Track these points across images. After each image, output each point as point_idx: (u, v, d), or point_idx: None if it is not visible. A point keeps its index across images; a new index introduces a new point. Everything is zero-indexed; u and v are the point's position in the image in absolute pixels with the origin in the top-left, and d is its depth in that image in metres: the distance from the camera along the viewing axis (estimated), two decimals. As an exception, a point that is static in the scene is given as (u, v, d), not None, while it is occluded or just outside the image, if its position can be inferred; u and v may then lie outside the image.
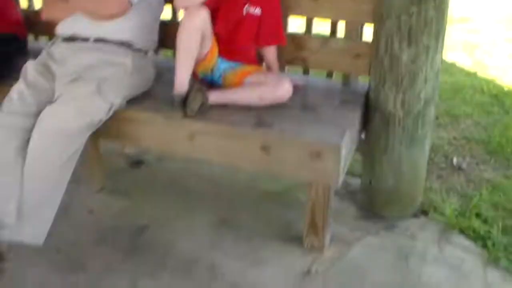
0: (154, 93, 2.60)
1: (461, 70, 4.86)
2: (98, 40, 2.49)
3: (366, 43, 2.51)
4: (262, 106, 2.37)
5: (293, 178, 2.27)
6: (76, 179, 2.35)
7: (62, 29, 2.55)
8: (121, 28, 2.48)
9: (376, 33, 2.40)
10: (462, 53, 5.35)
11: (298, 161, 2.19)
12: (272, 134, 2.21)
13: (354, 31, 2.53)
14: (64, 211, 2.34)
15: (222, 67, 2.52)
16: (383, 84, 2.41)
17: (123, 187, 3.00)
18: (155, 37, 2.70)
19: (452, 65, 4.94)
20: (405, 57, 2.31)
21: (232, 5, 2.46)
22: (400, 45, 2.30)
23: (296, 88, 2.41)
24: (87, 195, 2.91)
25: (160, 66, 2.72)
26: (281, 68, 2.71)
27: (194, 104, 2.29)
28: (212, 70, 2.52)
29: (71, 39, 2.53)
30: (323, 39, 2.59)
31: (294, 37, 2.63)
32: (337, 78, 2.81)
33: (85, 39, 2.50)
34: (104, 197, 2.92)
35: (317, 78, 2.82)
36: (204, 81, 2.55)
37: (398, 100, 2.41)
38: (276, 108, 2.37)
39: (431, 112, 2.48)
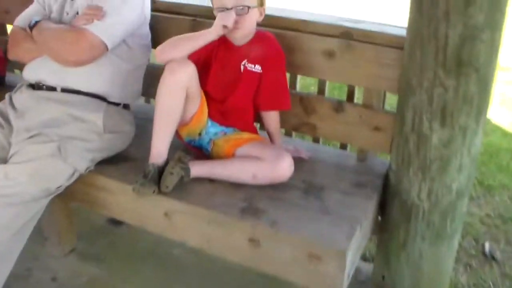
0: (131, 154, 2.19)
1: (497, 129, 4.29)
2: (66, 90, 2.09)
3: (389, 114, 2.06)
4: (256, 184, 1.94)
5: (286, 278, 1.80)
6: (40, 238, 1.94)
7: (27, 73, 2.15)
8: (93, 77, 2.08)
9: (401, 105, 1.95)
10: (499, 108, 4.77)
11: (293, 261, 1.75)
12: (262, 226, 1.77)
13: (375, 98, 2.08)
14: (24, 276, 1.95)
15: (212, 131, 2.09)
16: (407, 168, 1.95)
17: (97, 250, 2.57)
18: (137, 87, 2.29)
19: (487, 122, 4.41)
20: (436, 138, 1.85)
21: (227, 59, 2.04)
22: (430, 124, 1.84)
23: (300, 160, 1.98)
24: (53, 258, 2.49)
25: (146, 117, 2.30)
26: (288, 133, 2.27)
27: (171, 179, 1.87)
28: (200, 134, 2.10)
29: (36, 86, 2.13)
30: (337, 104, 2.14)
31: (302, 98, 2.19)
32: (352, 150, 2.35)
33: (52, 88, 2.10)
34: (72, 262, 2.50)
35: (328, 148, 2.36)
36: (191, 145, 2.13)
37: (424, 189, 1.94)
38: (272, 188, 1.94)
39: (464, 205, 2.01)
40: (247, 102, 2.08)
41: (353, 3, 8.66)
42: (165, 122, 1.93)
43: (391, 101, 2.46)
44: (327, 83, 2.26)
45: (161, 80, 1.89)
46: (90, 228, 2.73)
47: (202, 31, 1.91)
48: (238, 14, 1.90)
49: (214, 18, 1.92)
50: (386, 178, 2.08)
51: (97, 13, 2.00)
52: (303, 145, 2.29)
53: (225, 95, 2.06)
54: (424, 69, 1.80)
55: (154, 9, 2.37)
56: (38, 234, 1.92)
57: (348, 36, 2.04)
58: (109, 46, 2.02)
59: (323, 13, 2.24)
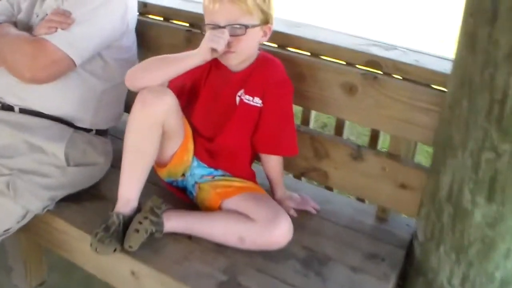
0: (102, 192, 1.82)
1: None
2: (25, 111, 1.72)
3: (420, 170, 1.62)
4: (243, 249, 1.54)
5: None
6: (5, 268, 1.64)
7: (-17, 87, 1.79)
8: (58, 97, 1.70)
9: (436, 163, 1.51)
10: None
11: None
12: (241, 313, 1.38)
13: (403, 148, 1.64)
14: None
15: (198, 173, 1.70)
16: (437, 244, 1.52)
17: (70, 285, 2.22)
18: (115, 110, 1.90)
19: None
20: (479, 215, 1.41)
21: (219, 88, 1.63)
22: (473, 196, 1.39)
23: (305, 213, 1.65)
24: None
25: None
26: (297, 176, 1.86)
27: (136, 238, 1.49)
28: (184, 175, 1.70)
29: (-7, 104, 1.77)
30: (356, 149, 1.70)
31: (314, 138, 1.76)
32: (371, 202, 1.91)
33: (9, 107, 1.73)
34: (39, 298, 2.16)
35: (342, 198, 1.92)
36: (172, 186, 1.74)
37: (458, 274, 1.50)
38: (263, 256, 1.54)
39: (509, 296, 1.56)
40: (242, 141, 1.67)
41: (386, 20, 6.75)
42: (134, 165, 1.54)
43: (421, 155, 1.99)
44: (346, 123, 1.81)
45: (131, 113, 1.51)
46: (65, 259, 2.38)
47: (185, 53, 1.51)
48: (233, 35, 1.48)
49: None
50: (409, 247, 1.65)
51: (63, 20, 1.61)
52: (312, 191, 1.86)
53: (215, 132, 1.65)
54: (471, 125, 1.35)
55: (144, 12, 1.97)
56: (2, 264, 1.58)
57: (376, 66, 1.60)
58: (77, 62, 1.63)
59: (346, 32, 1.78)
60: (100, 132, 1.83)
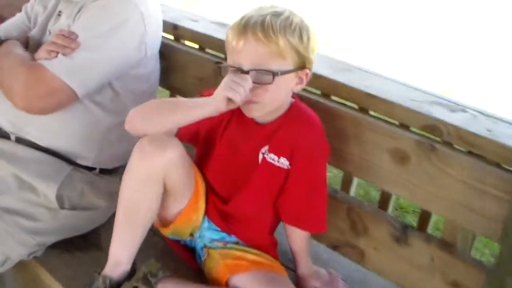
0: (99, 240, 1.59)
1: None
2: (22, 141, 1.50)
3: (479, 267, 1.28)
4: None
5: None
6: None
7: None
8: (58, 129, 1.48)
9: (503, 266, 1.17)
10: None
11: None
12: None
13: (460, 237, 1.31)
14: None
15: (208, 236, 1.43)
16: None
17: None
18: (125, 147, 1.64)
19: None
20: None
21: (239, 140, 1.35)
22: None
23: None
24: None
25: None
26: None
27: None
28: (192, 235, 1.44)
29: (-13, 129, 1.57)
30: (400, 230, 1.38)
31: (351, 209, 1.46)
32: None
33: (5, 135, 1.52)
34: None
35: (381, 281, 1.58)
36: (177, 244, 1.48)
37: None
38: None
39: None
40: (263, 206, 1.38)
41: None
42: (127, 224, 1.29)
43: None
44: (393, 197, 1.49)
45: (128, 163, 1.26)
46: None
47: (197, 100, 1.24)
48: (257, 82, 1.20)
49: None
50: None
51: (66, 43, 1.38)
52: (348, 266, 1.54)
53: (232, 191, 1.37)
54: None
55: (173, 36, 1.73)
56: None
57: (435, 131, 1.28)
58: (80, 93, 1.40)
59: (403, 81, 1.47)
60: (106, 171, 1.59)
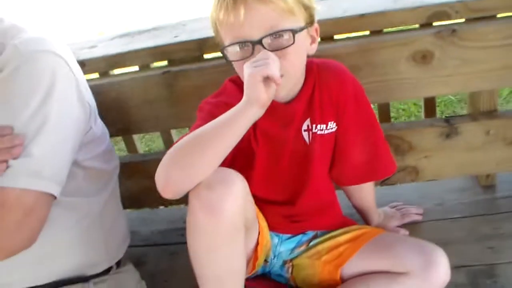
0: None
1: None
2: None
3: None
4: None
5: None
6: None
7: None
8: (48, 255, 1.09)
9: None
10: None
11: None
12: None
13: (487, 98, 1.31)
14: None
15: (285, 249, 1.23)
16: None
17: None
18: (122, 221, 1.31)
19: None
20: None
21: (275, 134, 1.13)
22: None
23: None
24: None
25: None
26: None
27: None
28: (266, 261, 1.22)
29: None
30: (446, 125, 1.33)
31: (389, 136, 1.34)
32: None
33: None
34: None
35: (426, 184, 1.53)
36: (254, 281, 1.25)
37: None
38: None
39: None
40: (329, 184, 1.22)
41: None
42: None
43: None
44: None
45: (192, 233, 0.98)
46: None
47: (231, 112, 0.96)
48: (276, 49, 0.99)
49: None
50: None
51: (8, 144, 0.99)
52: (392, 192, 1.48)
53: (294, 191, 1.17)
54: None
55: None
56: None
57: (443, 17, 1.22)
58: (56, 191, 1.04)
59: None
60: (119, 263, 1.25)
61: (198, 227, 0.97)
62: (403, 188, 1.48)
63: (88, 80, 1.21)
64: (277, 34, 0.98)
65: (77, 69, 1.14)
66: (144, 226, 1.58)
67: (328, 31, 1.24)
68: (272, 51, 0.98)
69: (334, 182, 1.26)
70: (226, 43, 1.02)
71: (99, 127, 1.22)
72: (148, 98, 1.36)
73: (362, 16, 1.23)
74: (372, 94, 1.26)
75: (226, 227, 0.97)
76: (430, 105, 1.44)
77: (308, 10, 1.04)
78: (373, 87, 1.27)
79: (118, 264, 1.25)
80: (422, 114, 1.49)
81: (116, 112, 1.39)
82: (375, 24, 1.24)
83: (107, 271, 1.21)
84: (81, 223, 1.14)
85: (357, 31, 1.27)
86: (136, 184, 1.46)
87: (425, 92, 1.32)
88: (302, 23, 1.03)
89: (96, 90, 1.22)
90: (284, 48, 0.99)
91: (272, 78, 0.93)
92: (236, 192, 0.97)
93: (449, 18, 1.21)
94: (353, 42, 1.27)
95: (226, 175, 0.98)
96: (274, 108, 1.06)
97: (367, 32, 1.27)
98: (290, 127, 1.13)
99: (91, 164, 1.17)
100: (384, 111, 1.45)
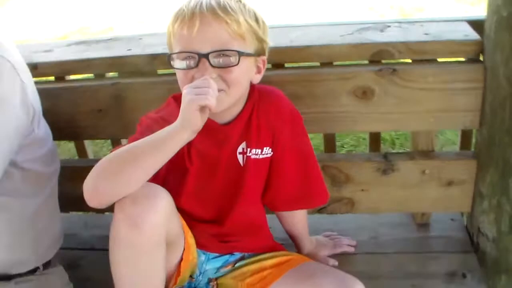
0: None
1: None
2: None
3: (466, 159, 1.34)
4: None
5: None
6: None
7: None
8: None
9: (492, 147, 1.24)
10: None
11: None
12: None
13: (427, 141, 1.34)
14: None
15: (211, 267, 1.24)
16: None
17: None
18: (57, 224, 1.32)
19: None
20: None
21: (209, 152, 1.16)
22: None
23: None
24: None
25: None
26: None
27: None
28: (192, 276, 1.24)
29: None
30: (383, 161, 1.36)
31: (326, 166, 1.38)
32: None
33: None
34: None
35: (357, 216, 1.55)
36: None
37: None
38: None
39: None
40: (259, 207, 1.24)
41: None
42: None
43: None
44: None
45: (114, 237, 1.00)
46: None
47: (163, 132, 0.99)
48: (221, 67, 1.03)
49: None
50: (474, 245, 1.39)
51: None
52: (326, 221, 1.50)
53: (223, 210, 1.19)
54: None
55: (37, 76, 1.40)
56: None
57: (385, 56, 1.26)
58: None
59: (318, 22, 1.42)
60: (48, 264, 1.26)
61: (119, 239, 1.00)
62: (340, 218, 1.50)
63: (42, 83, 1.23)
64: (224, 52, 1.03)
65: (25, 72, 1.17)
66: (85, 229, 1.59)
67: (274, 59, 1.27)
68: (215, 67, 1.02)
69: (267, 207, 1.29)
70: (175, 51, 1.06)
71: (42, 130, 1.23)
72: (98, 107, 1.38)
73: (307, 47, 1.27)
74: (313, 124, 1.29)
75: (146, 240, 0.99)
76: (374, 138, 1.48)
77: (260, 42, 1.09)
78: (313, 117, 1.30)
79: (47, 265, 1.26)
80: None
81: (67, 116, 1.41)
82: (320, 56, 1.28)
83: (33, 271, 1.22)
84: (12, 222, 1.16)
85: (303, 61, 1.30)
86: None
87: (365, 127, 1.35)
88: (251, 50, 1.07)
89: (50, 93, 1.25)
90: (228, 67, 1.03)
91: (209, 108, 0.97)
92: (160, 207, 1.00)
93: (392, 57, 1.25)
94: (297, 71, 1.30)
95: (151, 190, 1.01)
96: (210, 128, 1.09)
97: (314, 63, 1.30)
98: (225, 148, 1.16)
99: (30, 166, 1.19)
100: (329, 140, 1.48)
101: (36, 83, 1.23)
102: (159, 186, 1.03)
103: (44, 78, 1.42)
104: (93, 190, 0.98)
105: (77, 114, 1.41)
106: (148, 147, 1.00)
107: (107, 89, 1.36)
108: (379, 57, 1.25)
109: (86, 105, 1.39)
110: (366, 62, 1.27)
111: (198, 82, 1.00)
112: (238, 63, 1.03)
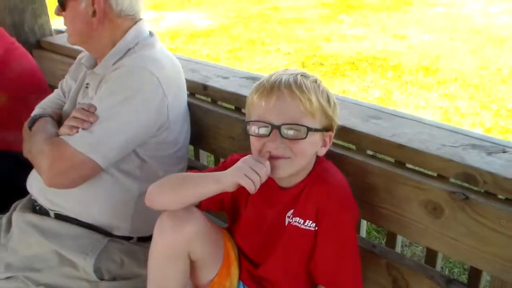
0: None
1: None
2: (61, 216, 1.54)
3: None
4: None
5: None
6: None
7: (28, 184, 1.64)
8: (87, 202, 1.51)
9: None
10: None
11: None
12: None
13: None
14: None
15: (246, 300, 1.39)
16: None
17: None
18: (158, 213, 1.65)
19: None
20: None
21: (264, 205, 1.32)
22: None
23: None
24: None
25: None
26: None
27: None
28: (228, 301, 1.41)
29: (32, 205, 1.63)
30: (445, 286, 1.28)
31: (391, 266, 1.37)
32: None
33: (45, 212, 1.57)
34: None
35: None
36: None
37: None
38: None
39: None
40: (294, 269, 1.33)
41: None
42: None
43: None
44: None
45: (152, 239, 1.26)
46: None
47: (207, 176, 1.22)
48: (289, 138, 1.18)
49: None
50: None
51: (85, 117, 1.41)
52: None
53: (262, 256, 1.34)
54: None
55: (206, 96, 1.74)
56: None
57: (470, 180, 1.18)
58: (103, 164, 1.42)
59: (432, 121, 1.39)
60: (144, 239, 1.59)
61: (153, 240, 1.28)
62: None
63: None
64: (294, 126, 1.18)
65: (173, 88, 1.50)
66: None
67: (368, 146, 1.33)
68: (286, 138, 1.18)
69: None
70: (252, 119, 1.25)
71: (172, 136, 1.55)
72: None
73: (401, 146, 1.28)
74: (382, 219, 1.31)
75: (169, 250, 1.25)
76: (431, 253, 1.38)
77: (329, 119, 1.22)
78: (385, 213, 1.30)
79: (142, 239, 1.59)
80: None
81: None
82: (408, 159, 1.27)
83: (128, 239, 1.56)
84: (119, 193, 1.52)
85: (393, 157, 1.31)
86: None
87: (429, 243, 1.27)
88: (319, 126, 1.20)
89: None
90: (296, 139, 1.18)
91: (248, 189, 1.14)
92: (187, 231, 1.25)
93: (475, 184, 1.17)
94: (384, 165, 1.32)
95: (187, 214, 1.26)
96: (270, 188, 1.28)
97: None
98: (276, 208, 1.31)
99: (148, 160, 1.53)
100: (391, 240, 1.45)
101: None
102: (200, 213, 1.25)
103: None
104: (148, 197, 1.29)
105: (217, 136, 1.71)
106: (194, 181, 1.23)
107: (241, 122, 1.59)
108: (463, 179, 1.18)
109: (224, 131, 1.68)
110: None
111: (256, 164, 1.16)
112: (306, 137, 1.17)
